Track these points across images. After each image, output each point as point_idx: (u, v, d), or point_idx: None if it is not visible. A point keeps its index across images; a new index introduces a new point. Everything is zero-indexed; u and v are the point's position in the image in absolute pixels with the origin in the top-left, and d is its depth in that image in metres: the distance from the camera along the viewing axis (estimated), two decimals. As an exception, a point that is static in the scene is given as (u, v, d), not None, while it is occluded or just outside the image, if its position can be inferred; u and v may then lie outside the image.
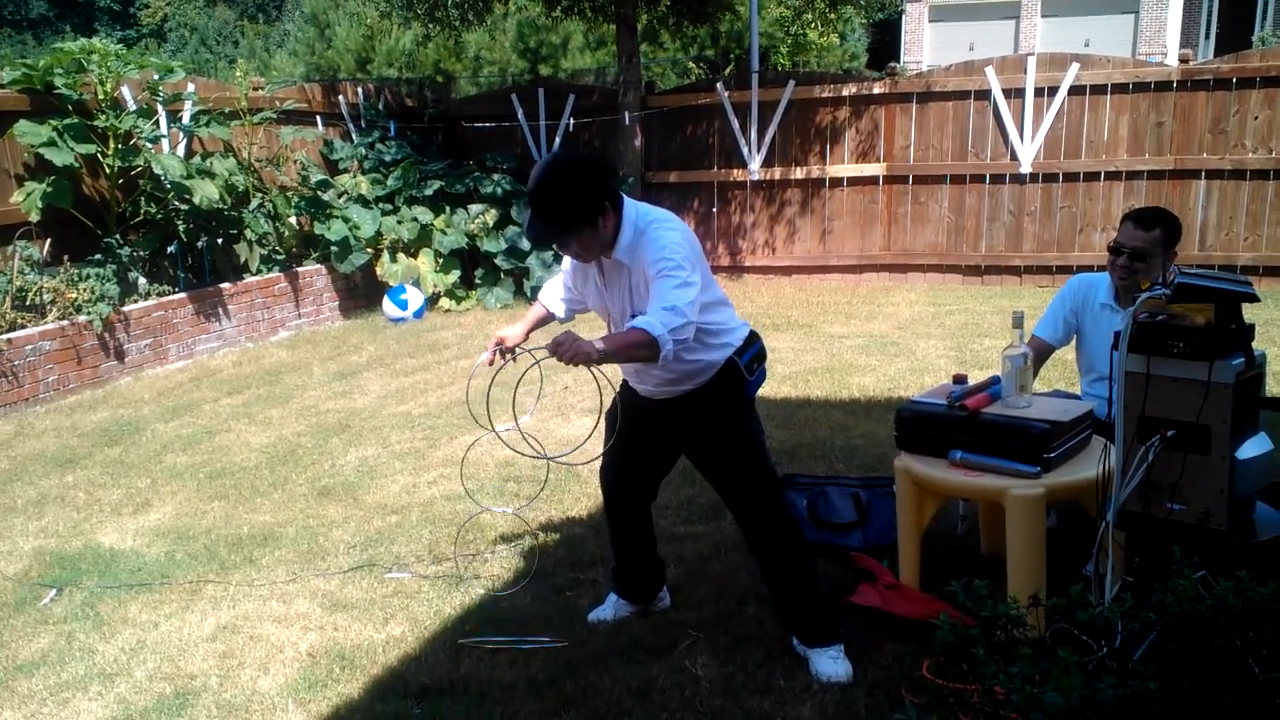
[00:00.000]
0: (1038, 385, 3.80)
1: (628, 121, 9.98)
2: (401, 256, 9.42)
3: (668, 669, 3.18)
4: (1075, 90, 9.27)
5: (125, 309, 7.22)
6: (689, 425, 3.14)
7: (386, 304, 9.08)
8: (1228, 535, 2.70)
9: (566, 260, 3.28)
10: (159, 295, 7.60)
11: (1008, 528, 3.19)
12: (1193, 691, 1.98)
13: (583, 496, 4.67)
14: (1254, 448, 2.73)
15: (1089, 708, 1.66)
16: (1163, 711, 1.77)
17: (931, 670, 2.99)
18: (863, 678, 3.07)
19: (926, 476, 3.34)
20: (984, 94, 9.52)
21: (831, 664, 3.09)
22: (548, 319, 3.38)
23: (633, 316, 2.92)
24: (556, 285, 3.37)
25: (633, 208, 2.94)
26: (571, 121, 10.67)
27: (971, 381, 3.56)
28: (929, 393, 3.57)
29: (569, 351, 2.62)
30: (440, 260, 9.51)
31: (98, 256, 7.30)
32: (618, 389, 3.36)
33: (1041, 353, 3.92)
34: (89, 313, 6.86)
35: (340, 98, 10.33)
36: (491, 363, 3.22)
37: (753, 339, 3.16)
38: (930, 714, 2.01)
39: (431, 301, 9.42)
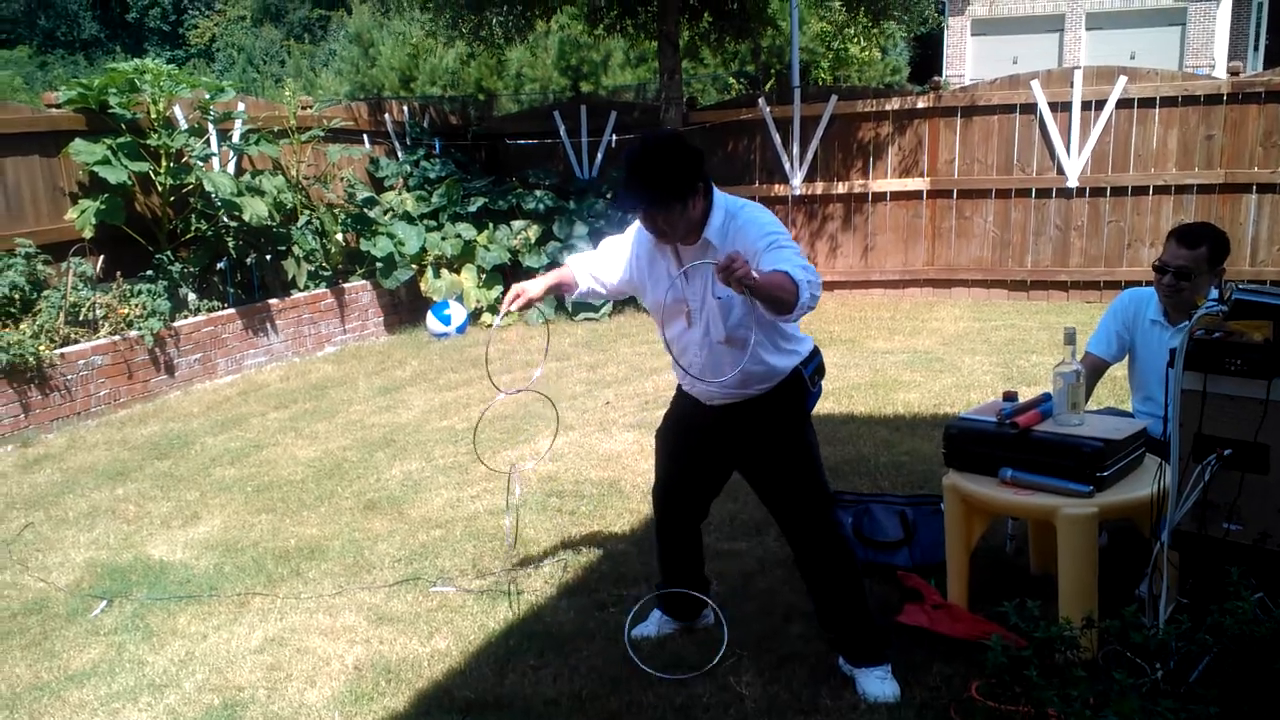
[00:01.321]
0: (1088, 403, 3.74)
1: (670, 137, 9.99)
2: (445, 272, 9.50)
3: (713, 687, 3.16)
4: (1123, 104, 9.15)
5: (176, 324, 7.33)
6: (748, 434, 3.10)
7: (430, 319, 9.15)
8: (1287, 557, 2.64)
9: (620, 241, 3.24)
10: (209, 311, 7.72)
11: (1059, 547, 3.14)
12: (1253, 716, 1.94)
13: (625, 513, 4.67)
14: (1314, 468, 2.67)
15: (1149, 732, 1.63)
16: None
17: (980, 691, 2.95)
18: (910, 698, 3.04)
19: (976, 494, 3.30)
20: (1029, 108, 9.43)
21: (879, 684, 3.06)
22: (570, 285, 3.26)
23: (717, 298, 2.91)
24: (590, 260, 3.29)
25: (721, 195, 2.98)
26: (614, 138, 10.71)
27: (1021, 398, 3.51)
28: (978, 410, 3.53)
29: (741, 269, 2.50)
30: (483, 276, 9.58)
31: (149, 273, 7.43)
32: (670, 403, 3.33)
33: (1096, 369, 3.86)
34: (140, 328, 6.98)
35: (386, 116, 10.45)
36: (505, 314, 3.16)
37: (815, 352, 3.14)
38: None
39: (474, 317, 9.48)
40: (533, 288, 3.16)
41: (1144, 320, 3.77)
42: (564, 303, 9.66)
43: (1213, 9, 22.47)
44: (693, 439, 3.26)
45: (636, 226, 3.14)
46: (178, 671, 3.48)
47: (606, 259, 3.25)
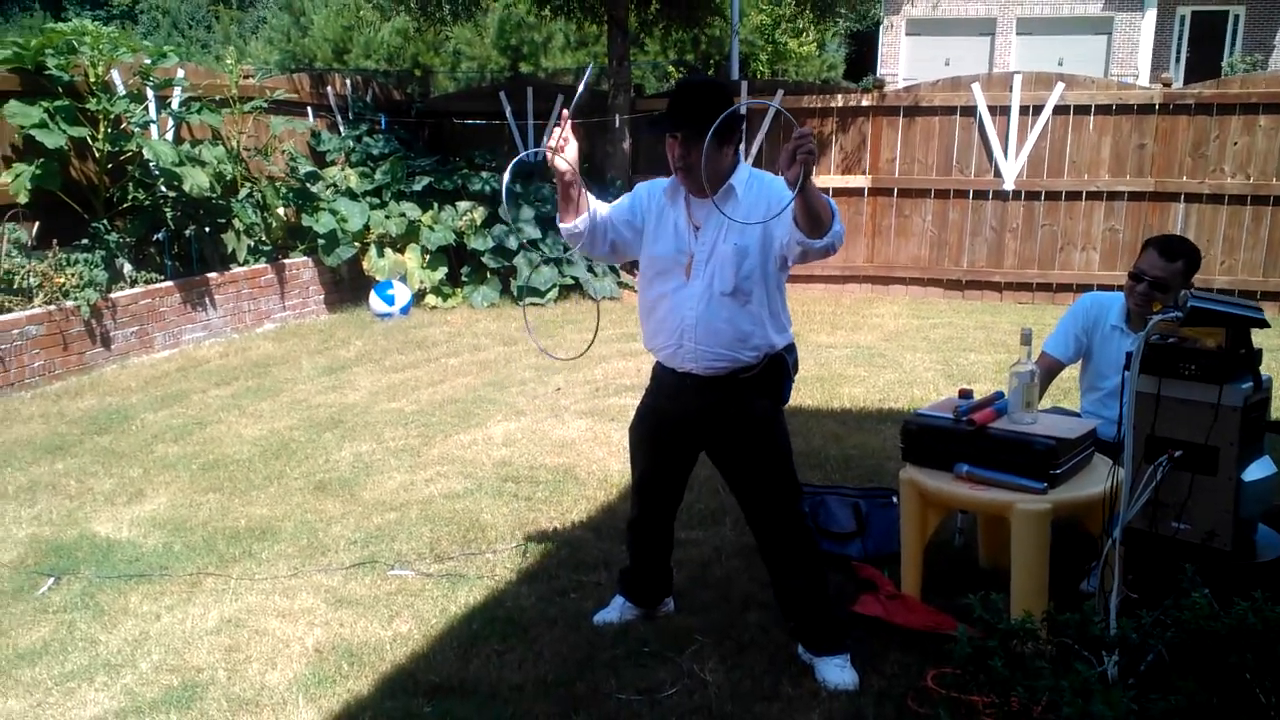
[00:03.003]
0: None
1: (617, 124, 10.01)
2: (389, 251, 9.40)
3: (676, 673, 3.22)
4: (1059, 109, 9.41)
5: (112, 296, 7.14)
6: (728, 415, 3.12)
7: (373, 299, 9.04)
8: (1232, 556, 2.78)
9: (634, 199, 3.20)
10: (146, 283, 7.54)
11: (1013, 542, 3.25)
12: (1213, 706, 2.05)
13: (581, 499, 4.70)
14: (1258, 470, 2.82)
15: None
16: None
17: (938, 681, 3.06)
18: (868, 686, 3.12)
19: (932, 489, 3.40)
20: (969, 110, 9.65)
21: (838, 672, 3.14)
22: (579, 200, 3.05)
23: (738, 248, 2.96)
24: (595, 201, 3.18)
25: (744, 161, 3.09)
26: (560, 122, 10.66)
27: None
28: (934, 406, 3.63)
29: (808, 148, 2.55)
30: (427, 256, 9.49)
31: (85, 241, 7.23)
32: (644, 394, 3.34)
33: (1051, 369, 3.96)
34: (76, 298, 6.79)
35: (328, 89, 10.28)
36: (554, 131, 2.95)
37: (794, 347, 3.21)
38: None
39: (417, 298, 9.40)
40: (572, 151, 2.96)
41: (1105, 325, 3.87)
42: (509, 287, 9.63)
43: (1138, 20, 23.14)
44: (667, 431, 3.27)
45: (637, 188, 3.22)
46: (133, 651, 3.43)
47: (628, 213, 3.18)
